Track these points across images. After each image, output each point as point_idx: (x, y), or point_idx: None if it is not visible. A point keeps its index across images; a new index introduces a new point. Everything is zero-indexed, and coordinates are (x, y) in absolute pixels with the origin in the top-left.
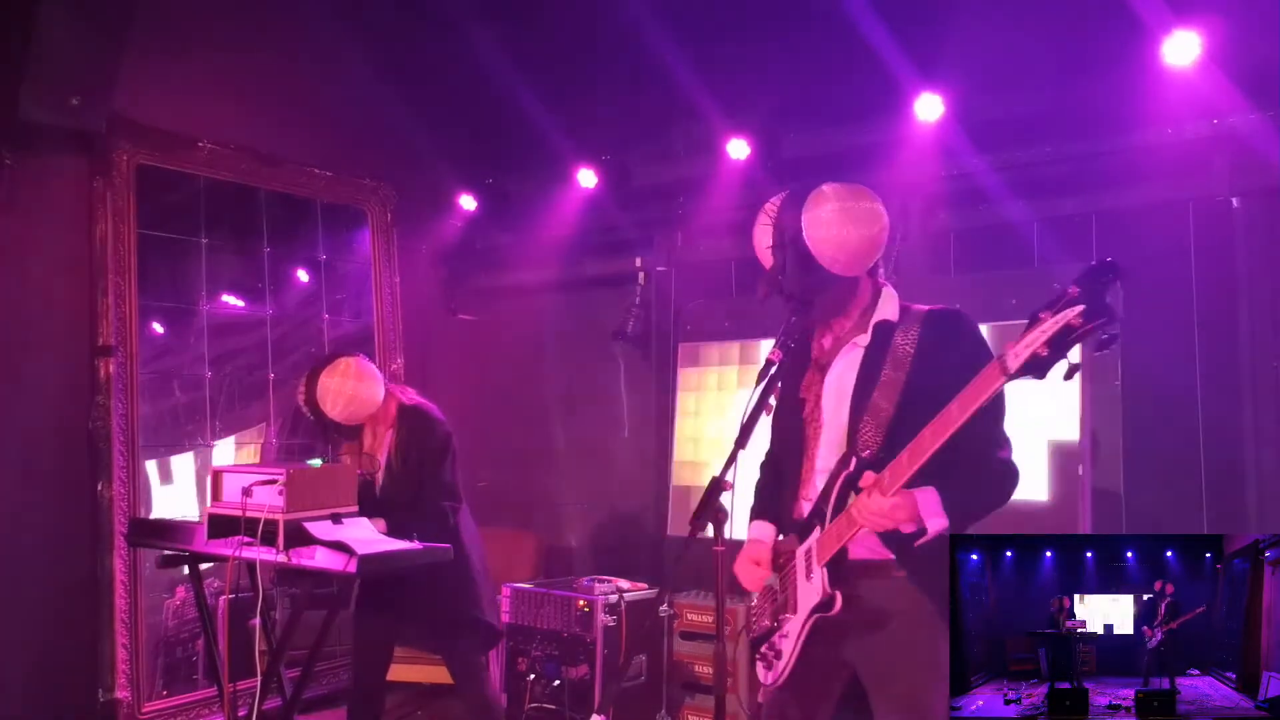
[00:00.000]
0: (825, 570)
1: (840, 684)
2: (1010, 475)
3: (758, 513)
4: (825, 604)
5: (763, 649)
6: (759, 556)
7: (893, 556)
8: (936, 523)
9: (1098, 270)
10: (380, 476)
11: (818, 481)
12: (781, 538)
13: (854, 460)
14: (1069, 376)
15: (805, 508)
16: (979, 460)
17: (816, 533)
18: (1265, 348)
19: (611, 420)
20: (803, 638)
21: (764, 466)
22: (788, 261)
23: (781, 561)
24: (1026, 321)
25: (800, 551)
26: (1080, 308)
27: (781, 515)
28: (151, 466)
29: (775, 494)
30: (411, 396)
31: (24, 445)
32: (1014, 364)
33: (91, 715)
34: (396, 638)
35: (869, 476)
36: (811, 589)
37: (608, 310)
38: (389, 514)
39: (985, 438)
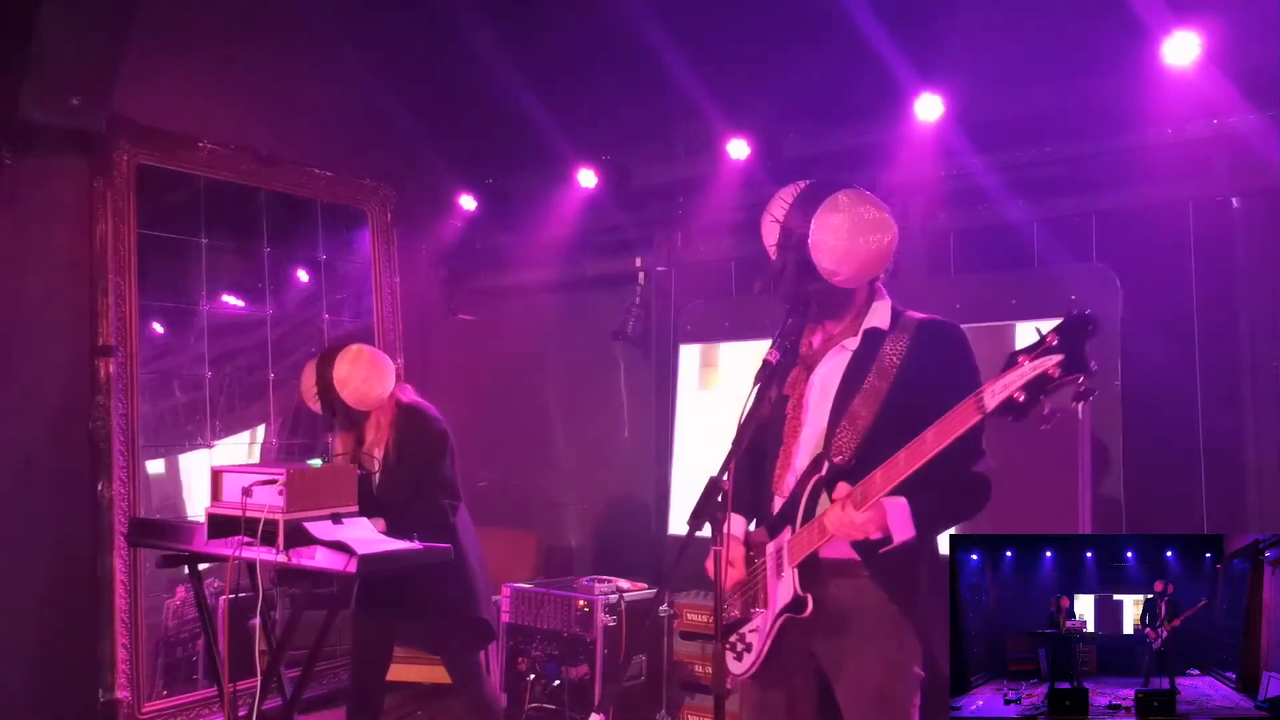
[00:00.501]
0: (796, 572)
1: (811, 673)
2: (985, 489)
3: (735, 506)
4: (797, 605)
5: (732, 639)
6: (732, 555)
7: (859, 558)
8: (903, 533)
9: (1077, 323)
10: (377, 474)
11: (790, 480)
12: (753, 528)
13: (826, 464)
14: (1047, 423)
15: (778, 504)
16: (956, 474)
17: (787, 532)
18: (1265, 348)
19: (611, 420)
20: (773, 634)
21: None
22: (789, 266)
23: (753, 554)
24: (1004, 360)
25: (771, 548)
26: (1059, 358)
27: (759, 508)
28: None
29: (751, 486)
30: (409, 395)
31: (24, 445)
32: (991, 403)
33: (91, 715)
34: (395, 637)
35: (843, 488)
36: (783, 588)
37: (608, 310)
38: (386, 512)
39: (964, 452)
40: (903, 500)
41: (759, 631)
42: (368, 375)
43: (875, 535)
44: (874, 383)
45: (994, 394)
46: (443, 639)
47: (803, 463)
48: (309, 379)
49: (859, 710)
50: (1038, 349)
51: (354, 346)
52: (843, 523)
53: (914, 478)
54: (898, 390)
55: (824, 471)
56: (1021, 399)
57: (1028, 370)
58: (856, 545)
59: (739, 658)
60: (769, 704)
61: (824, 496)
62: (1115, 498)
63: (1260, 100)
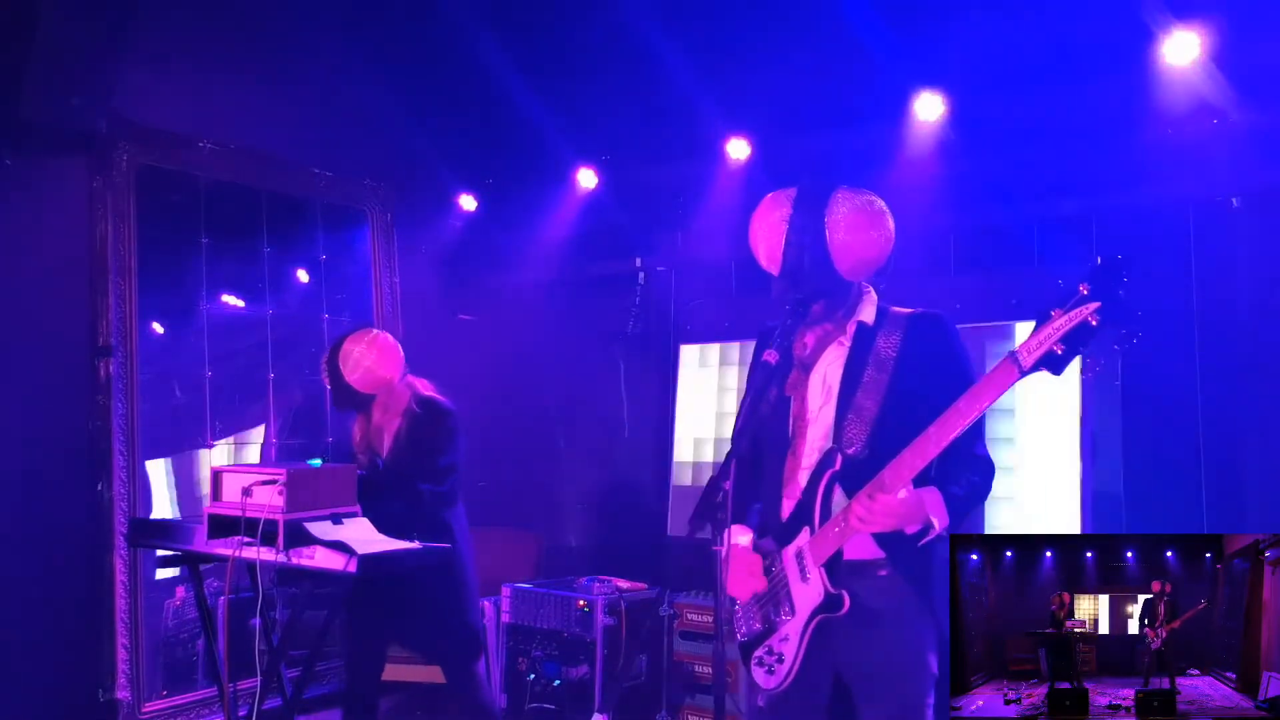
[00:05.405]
0: (823, 571)
1: (829, 684)
2: (990, 469)
3: (734, 517)
4: (831, 604)
5: (759, 654)
6: (753, 566)
7: (883, 555)
8: (942, 520)
9: (1108, 268)
10: (382, 461)
11: (802, 479)
12: (758, 539)
13: (839, 457)
14: (1089, 373)
15: (789, 506)
16: (965, 457)
17: (805, 533)
18: (1265, 348)
19: (611, 420)
20: (806, 639)
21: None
22: (805, 262)
23: (768, 564)
24: (1034, 321)
25: (789, 552)
26: (1095, 304)
27: (765, 516)
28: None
29: (748, 496)
30: (428, 388)
31: (24, 445)
32: (1029, 360)
33: (91, 715)
34: (389, 638)
35: (877, 482)
36: (810, 590)
37: (608, 310)
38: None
39: (971, 435)
40: (935, 489)
41: (789, 639)
42: (373, 363)
43: (913, 527)
44: (874, 375)
45: (1030, 351)
46: (432, 645)
47: (811, 461)
48: (325, 359)
49: (879, 712)
50: (1070, 300)
51: (369, 331)
52: (878, 512)
53: (932, 466)
54: (899, 380)
55: (838, 465)
56: (1060, 351)
57: (1063, 322)
58: (885, 540)
59: (770, 671)
60: (791, 713)
61: (839, 492)
62: (1115, 497)
63: (1260, 100)
